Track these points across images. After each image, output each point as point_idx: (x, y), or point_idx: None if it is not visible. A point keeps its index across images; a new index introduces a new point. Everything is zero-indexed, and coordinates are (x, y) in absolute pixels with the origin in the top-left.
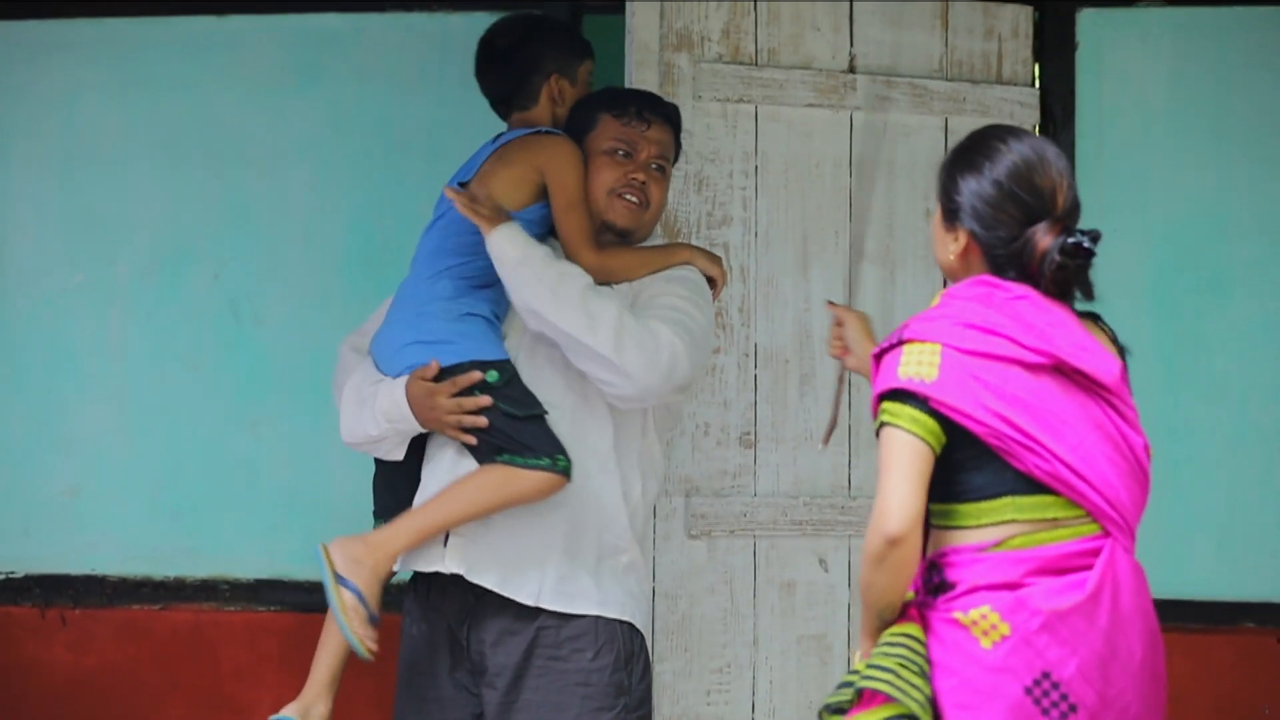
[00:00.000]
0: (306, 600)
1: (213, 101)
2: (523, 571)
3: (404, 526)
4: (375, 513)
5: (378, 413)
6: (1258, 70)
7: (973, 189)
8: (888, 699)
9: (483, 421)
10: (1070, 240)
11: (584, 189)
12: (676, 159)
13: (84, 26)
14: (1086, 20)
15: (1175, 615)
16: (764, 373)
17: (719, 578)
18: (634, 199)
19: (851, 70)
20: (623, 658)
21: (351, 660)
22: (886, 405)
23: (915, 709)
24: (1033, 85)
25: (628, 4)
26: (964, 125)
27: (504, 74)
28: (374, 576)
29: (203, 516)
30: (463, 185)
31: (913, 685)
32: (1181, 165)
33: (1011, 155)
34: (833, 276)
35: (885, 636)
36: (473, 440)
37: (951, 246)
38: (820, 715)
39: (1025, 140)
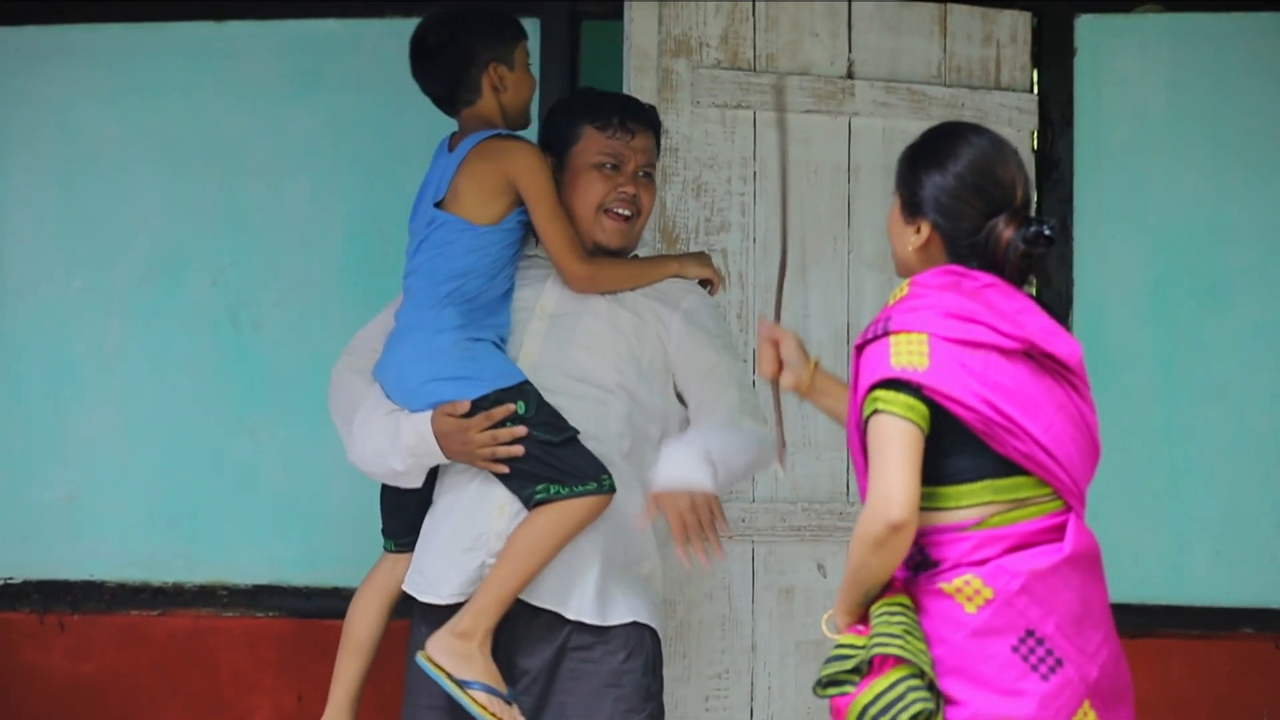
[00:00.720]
0: (304, 606)
1: (211, 108)
2: (568, 585)
3: (486, 603)
4: (384, 532)
5: (402, 448)
6: (1256, 76)
7: (936, 182)
8: (898, 661)
9: (518, 451)
10: (1033, 229)
11: (558, 194)
12: (658, 158)
13: (82, 32)
14: (1085, 26)
15: (1174, 621)
16: (762, 378)
17: (717, 583)
18: (625, 211)
19: (850, 76)
20: (650, 662)
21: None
22: (880, 394)
23: (925, 667)
24: (1031, 91)
25: (626, 10)
26: None
27: (441, 72)
28: (486, 662)
29: (201, 522)
30: (437, 205)
31: (920, 648)
32: (1180, 171)
33: (973, 149)
34: (831, 282)
35: (881, 607)
36: (505, 469)
37: (913, 239)
38: (815, 689)
39: (984, 134)
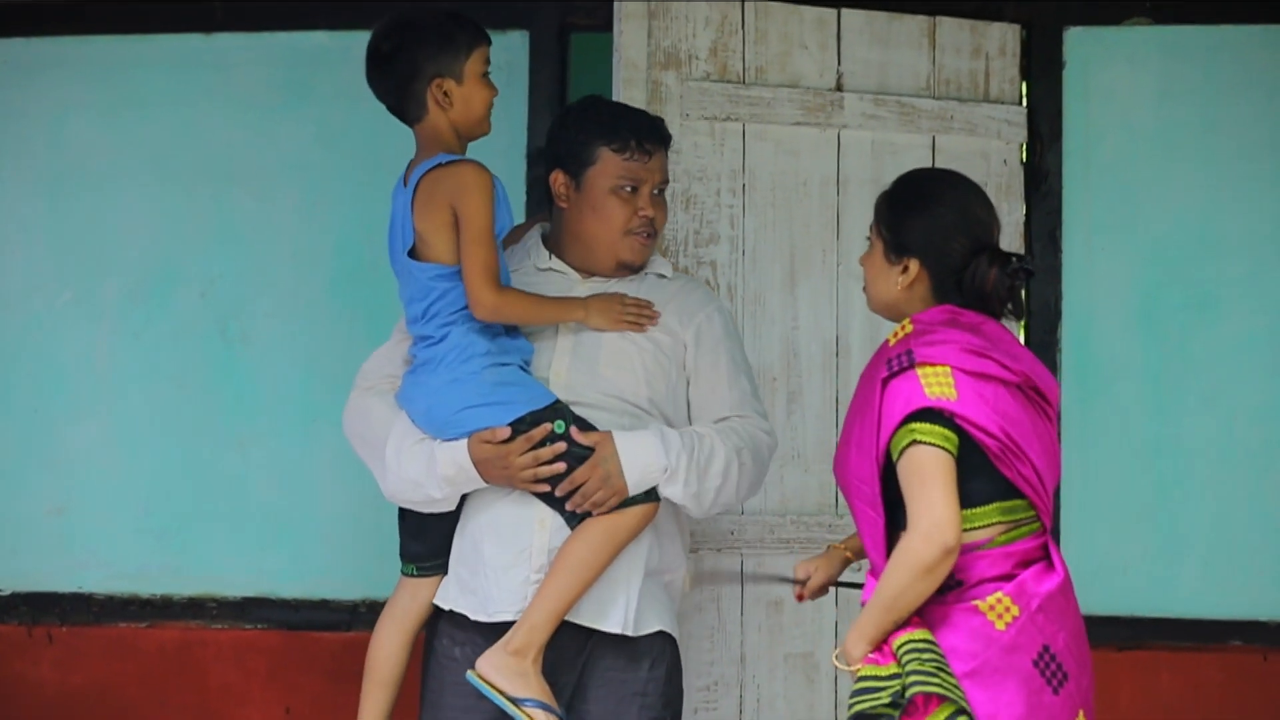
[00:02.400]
0: (293, 618)
1: (201, 120)
2: (613, 601)
3: (539, 620)
4: (405, 556)
5: (438, 477)
6: (1244, 90)
7: (923, 223)
8: (940, 700)
9: (560, 468)
10: (1015, 265)
11: (492, 220)
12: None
13: (72, 45)
14: (1074, 39)
15: (1164, 634)
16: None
17: (706, 595)
18: (647, 233)
19: (839, 89)
20: (671, 669)
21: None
22: (917, 425)
23: (965, 704)
24: (1020, 104)
25: (615, 22)
26: (951, 144)
27: (387, 84)
28: (539, 679)
29: (190, 535)
30: (410, 254)
31: (953, 683)
32: (1168, 183)
33: (955, 191)
34: (820, 294)
35: (907, 644)
36: (547, 488)
37: (900, 279)
38: None
39: (960, 177)
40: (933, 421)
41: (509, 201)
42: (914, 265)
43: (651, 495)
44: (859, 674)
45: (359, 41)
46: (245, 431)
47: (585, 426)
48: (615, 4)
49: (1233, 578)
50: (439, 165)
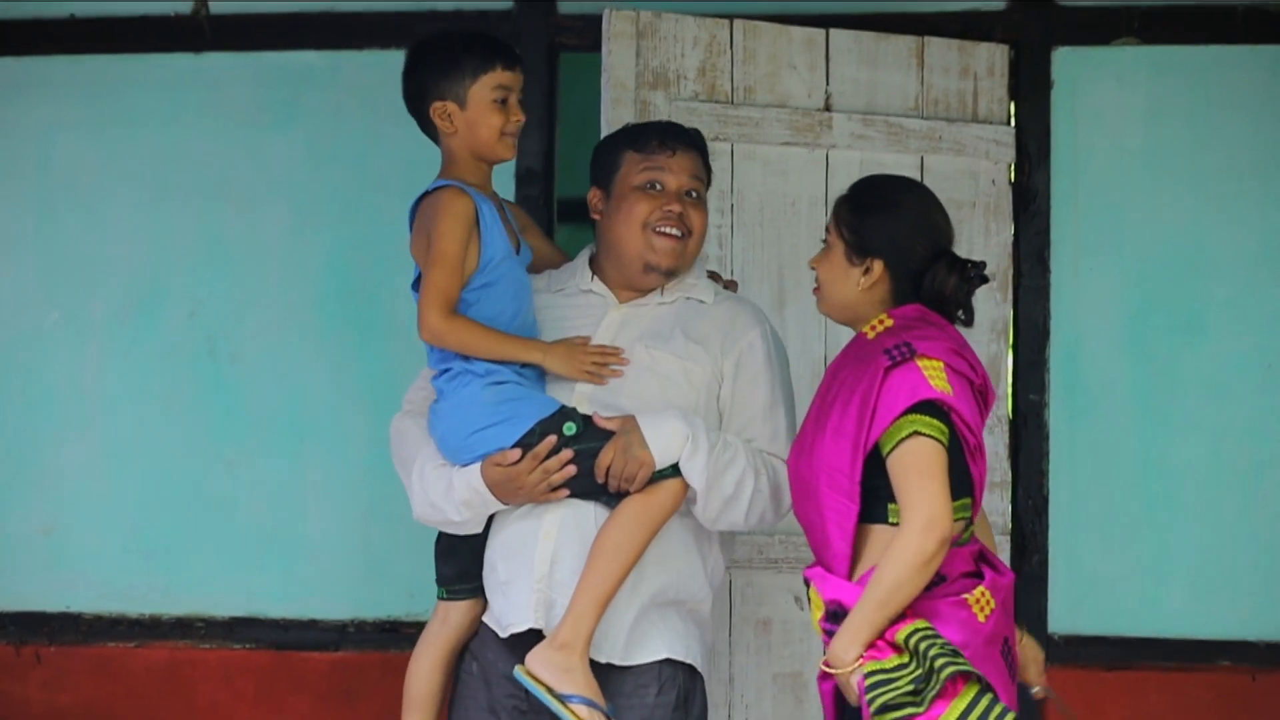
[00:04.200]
0: (282, 638)
1: (190, 139)
2: (605, 631)
3: (583, 609)
4: (438, 579)
5: (457, 502)
6: (1232, 110)
7: (888, 224)
8: (965, 679)
9: (572, 471)
10: (973, 270)
11: (456, 246)
12: (709, 184)
13: (61, 64)
14: (1062, 59)
15: (1151, 654)
16: None
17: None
18: (674, 230)
19: (827, 109)
20: (682, 696)
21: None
22: (918, 417)
23: (988, 682)
24: (1008, 123)
25: (604, 42)
26: (940, 163)
27: (406, 104)
28: (586, 674)
29: (178, 554)
30: (415, 284)
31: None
32: (1156, 204)
33: (915, 196)
34: (808, 314)
35: (914, 632)
36: (565, 494)
37: (862, 280)
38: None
39: (917, 183)
40: (932, 414)
41: (501, 228)
42: (877, 266)
43: (678, 472)
44: (866, 670)
45: (348, 61)
46: (234, 451)
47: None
48: (604, 24)
49: (1221, 598)
50: (421, 198)
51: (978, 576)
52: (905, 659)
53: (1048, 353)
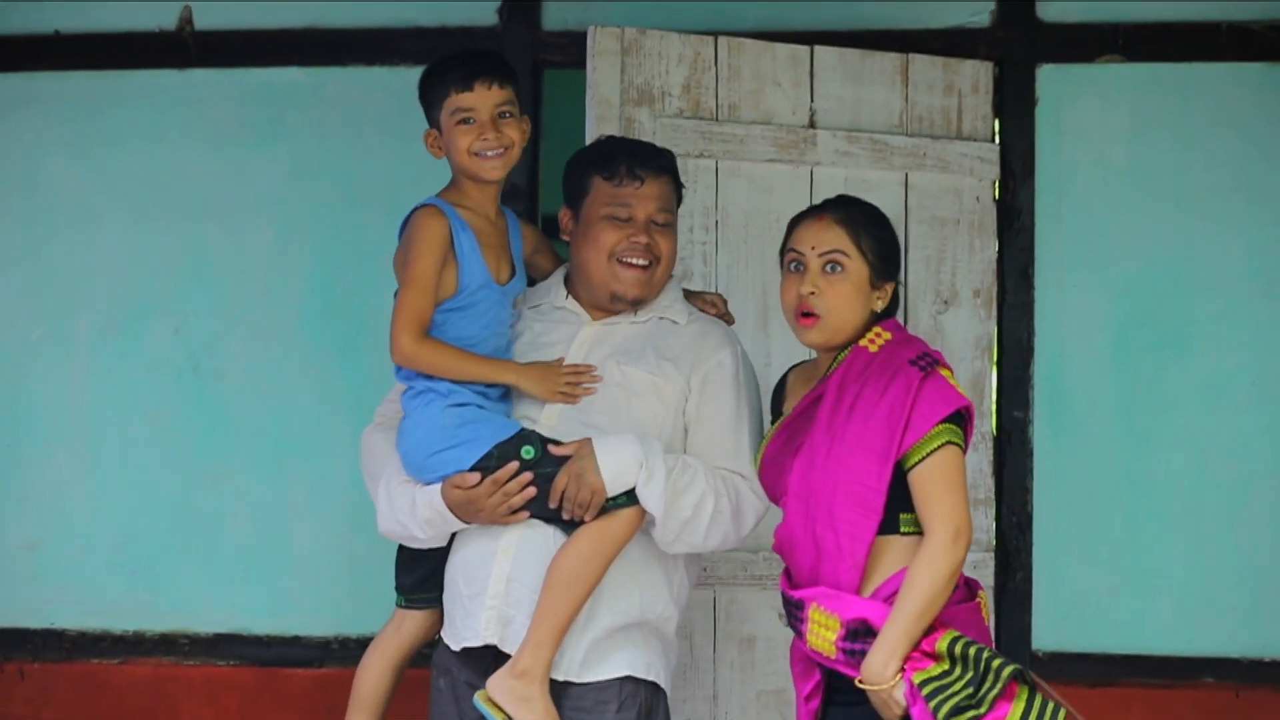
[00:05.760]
0: (266, 655)
1: (174, 155)
2: (563, 649)
3: (542, 637)
4: (396, 587)
5: (420, 520)
6: (1216, 127)
7: (896, 247)
8: (1016, 679)
9: (531, 493)
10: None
11: (429, 267)
12: (680, 202)
13: (45, 81)
14: (1046, 76)
15: (1136, 670)
16: None
17: (678, 632)
18: (640, 260)
19: (812, 125)
20: (643, 712)
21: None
22: (951, 426)
23: (1034, 680)
24: (993, 140)
25: (589, 59)
26: (924, 180)
27: None
28: (545, 702)
29: (162, 571)
30: None
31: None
32: (1141, 220)
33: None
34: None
35: (955, 639)
36: (527, 514)
37: (878, 302)
38: None
39: None
40: (958, 424)
41: (479, 256)
42: (890, 289)
43: (634, 499)
44: (917, 680)
45: (332, 77)
46: (218, 467)
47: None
48: (588, 41)
49: (1205, 614)
50: (415, 209)
51: (967, 583)
52: (947, 665)
53: (1032, 369)
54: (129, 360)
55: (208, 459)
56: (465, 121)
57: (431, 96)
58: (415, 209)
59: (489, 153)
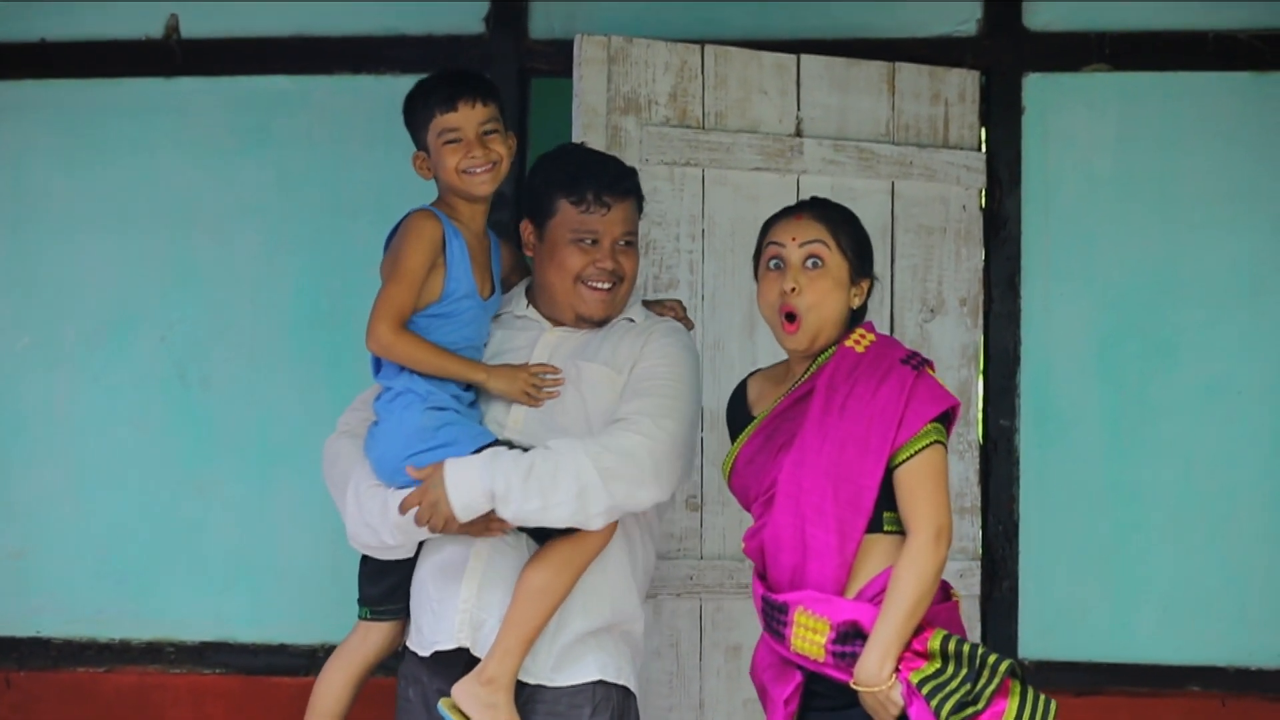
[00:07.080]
0: (252, 663)
1: (161, 164)
2: (534, 653)
3: (510, 645)
4: (360, 600)
5: (391, 525)
6: (1202, 136)
7: (870, 246)
8: (1011, 676)
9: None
10: None
11: (418, 265)
12: (642, 212)
13: (31, 88)
14: (1033, 85)
15: (1121, 679)
16: (710, 436)
17: (665, 640)
18: (605, 284)
19: (798, 134)
20: (616, 716)
21: None
22: (939, 425)
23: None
24: (979, 149)
25: (575, 67)
26: (911, 189)
27: None
28: (510, 711)
29: (149, 579)
30: None
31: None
32: (1127, 229)
33: None
34: None
35: (946, 637)
36: (500, 533)
37: (855, 299)
38: None
39: None
40: (944, 423)
41: (468, 266)
42: (866, 286)
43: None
44: (914, 680)
45: (318, 86)
46: (204, 476)
47: None
48: (575, 49)
49: (1191, 623)
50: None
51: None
52: (939, 664)
53: (1018, 378)
54: (116, 369)
55: (194, 467)
56: (452, 141)
57: (416, 120)
58: (409, 214)
59: (477, 169)
